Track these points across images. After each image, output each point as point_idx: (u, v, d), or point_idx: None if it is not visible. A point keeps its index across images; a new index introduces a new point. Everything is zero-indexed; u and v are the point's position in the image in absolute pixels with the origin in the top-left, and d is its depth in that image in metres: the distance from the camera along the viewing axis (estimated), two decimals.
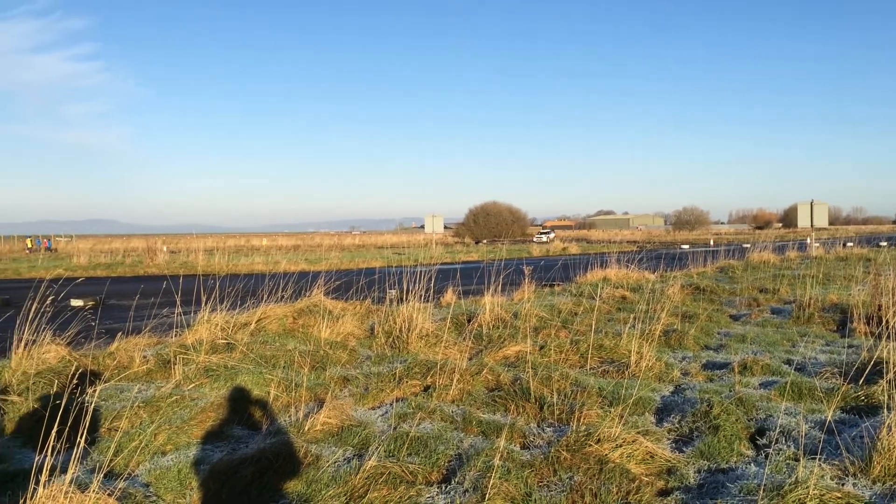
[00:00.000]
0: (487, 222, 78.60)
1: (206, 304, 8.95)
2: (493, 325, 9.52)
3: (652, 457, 4.70)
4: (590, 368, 7.39)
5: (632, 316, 9.34)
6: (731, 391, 6.22)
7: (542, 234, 79.75)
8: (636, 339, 7.65)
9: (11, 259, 40.93)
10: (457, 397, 6.22)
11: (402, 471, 4.36)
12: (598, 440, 4.69)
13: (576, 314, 10.72)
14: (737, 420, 5.32)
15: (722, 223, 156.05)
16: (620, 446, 4.68)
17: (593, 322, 8.81)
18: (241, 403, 5.90)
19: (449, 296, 12.82)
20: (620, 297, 13.25)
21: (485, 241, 70.28)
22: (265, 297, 10.15)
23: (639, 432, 4.92)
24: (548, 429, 5.47)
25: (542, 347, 8.07)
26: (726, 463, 4.72)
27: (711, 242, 56.12)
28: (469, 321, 9.94)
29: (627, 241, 65.55)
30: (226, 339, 8.15)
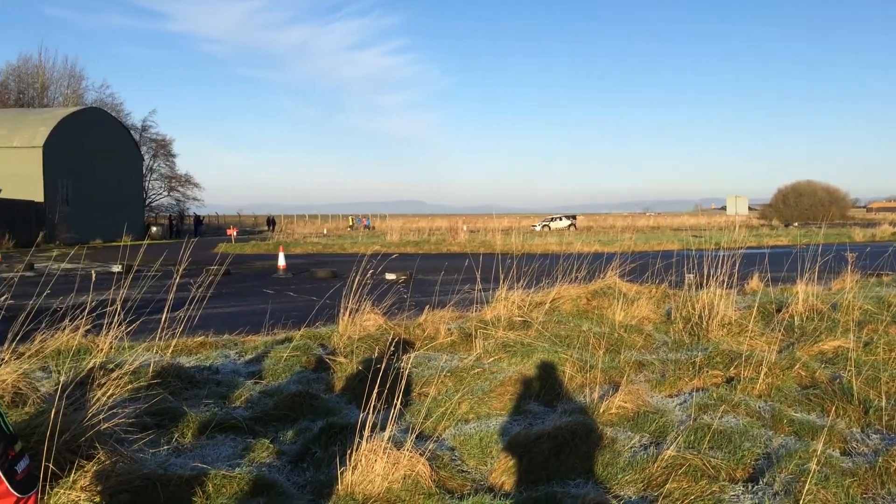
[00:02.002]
0: (799, 203, 71.81)
1: (503, 282, 9.30)
2: (807, 317, 8.66)
3: None
4: None
5: None
6: None
7: (551, 220, 60.58)
8: None
9: (338, 236, 46.39)
10: (764, 392, 5.77)
11: (704, 464, 4.15)
12: None
13: None
14: None
15: None
16: None
17: None
18: (536, 380, 6.05)
19: (754, 282, 11.94)
20: None
21: (796, 224, 64.31)
22: (559, 277, 10.28)
23: None
24: (874, 436, 4.84)
25: (866, 344, 7.16)
26: None
27: None
28: (778, 311, 9.16)
29: None
30: (521, 316, 8.40)
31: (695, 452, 4.28)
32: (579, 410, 5.17)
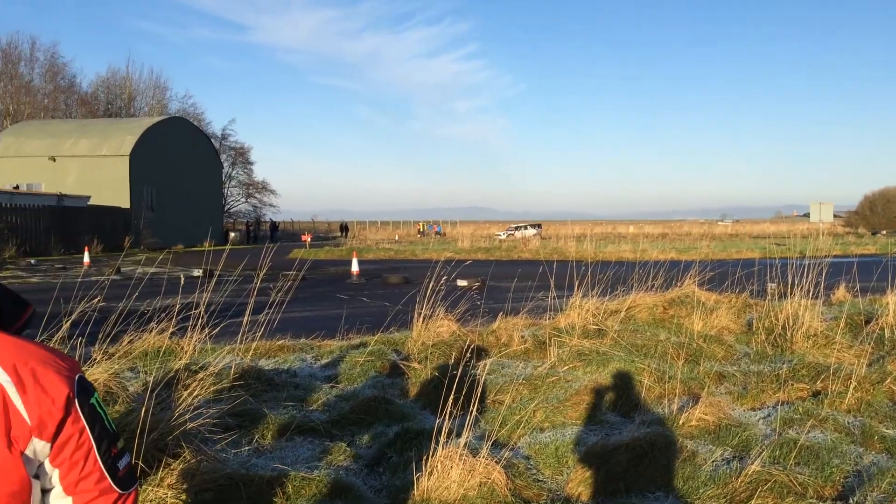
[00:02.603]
0: (887, 210, 68.62)
1: (576, 289, 9.19)
2: None
3: None
4: None
5: None
6: None
7: (516, 229, 57.12)
8: None
9: (409, 242, 46.82)
10: (853, 407, 5.53)
11: (790, 480, 4.00)
12: None
13: None
14: None
15: None
16: None
17: None
18: (612, 390, 5.95)
19: (841, 292, 11.47)
20: None
21: (884, 232, 61.49)
22: (634, 285, 10.11)
23: None
24: None
25: None
26: None
27: None
28: (867, 322, 8.77)
29: None
30: (596, 324, 8.29)
31: (780, 468, 4.14)
32: (658, 422, 5.06)
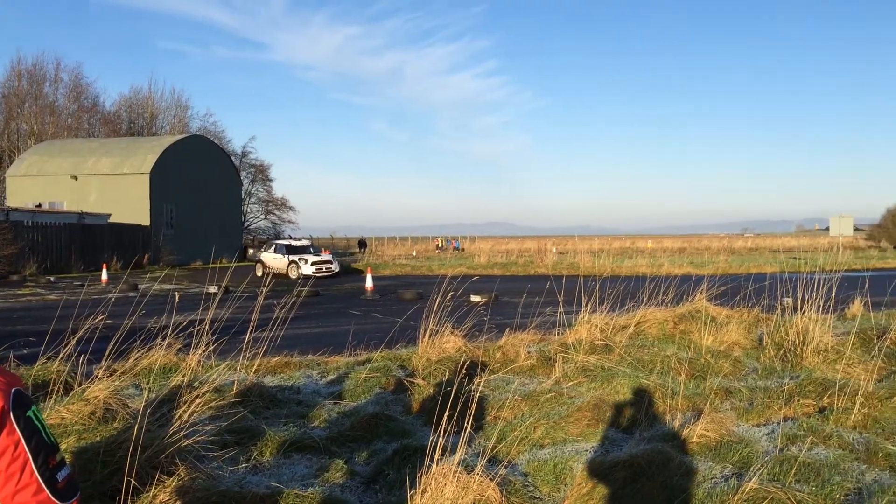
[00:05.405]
0: None
1: (586, 305, 9.16)
2: None
3: None
4: None
5: None
6: None
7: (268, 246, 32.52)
8: None
9: (426, 258, 46.83)
10: (859, 423, 5.45)
11: (787, 498, 3.94)
12: None
13: None
14: None
15: None
16: None
17: None
18: (615, 406, 5.91)
19: (855, 307, 11.33)
20: None
21: None
22: (645, 299, 10.06)
23: None
24: None
25: None
26: None
27: None
28: (880, 337, 8.64)
29: None
30: (604, 340, 8.24)
31: (779, 485, 4.08)
32: (658, 438, 5.01)
